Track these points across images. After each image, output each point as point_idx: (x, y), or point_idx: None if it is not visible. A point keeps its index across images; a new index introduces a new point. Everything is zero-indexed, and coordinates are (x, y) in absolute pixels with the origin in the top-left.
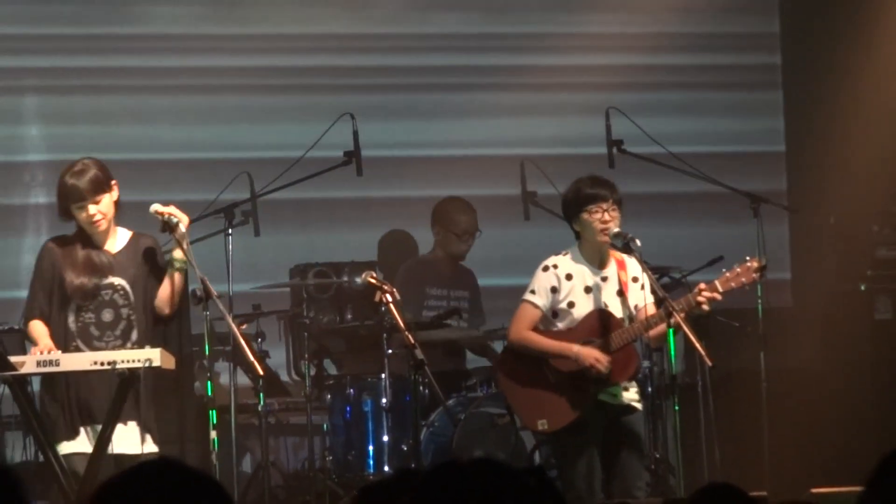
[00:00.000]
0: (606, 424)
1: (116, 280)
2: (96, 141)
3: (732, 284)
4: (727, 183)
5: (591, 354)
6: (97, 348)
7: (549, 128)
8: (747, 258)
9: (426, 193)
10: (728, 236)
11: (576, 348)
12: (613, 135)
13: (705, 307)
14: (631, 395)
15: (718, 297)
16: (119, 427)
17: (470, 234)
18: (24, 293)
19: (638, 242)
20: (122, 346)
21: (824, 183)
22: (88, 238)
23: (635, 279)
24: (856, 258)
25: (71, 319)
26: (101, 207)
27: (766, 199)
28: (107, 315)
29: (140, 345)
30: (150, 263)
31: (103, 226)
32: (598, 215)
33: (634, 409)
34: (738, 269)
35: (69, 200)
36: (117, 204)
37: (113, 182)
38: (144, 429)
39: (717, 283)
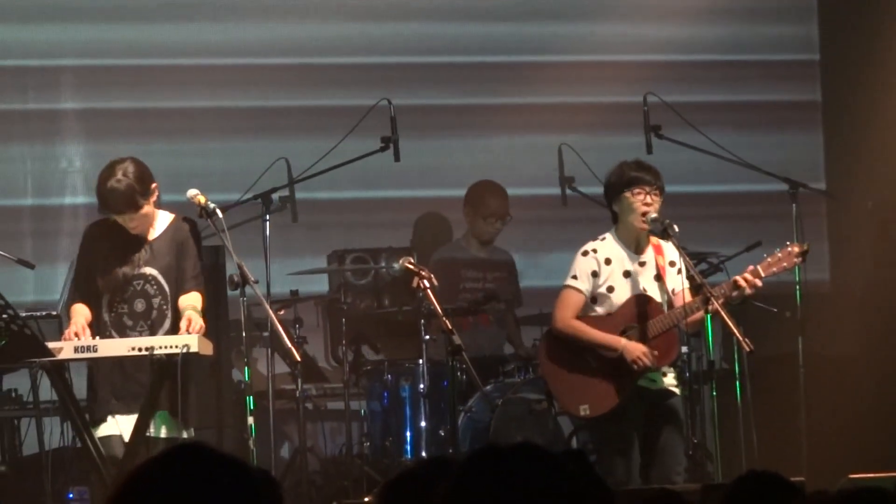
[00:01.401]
0: (646, 410)
1: (149, 270)
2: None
3: (774, 269)
4: (766, 168)
5: (637, 349)
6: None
7: (585, 114)
8: (788, 243)
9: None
10: (766, 222)
11: (623, 342)
12: (651, 120)
13: (748, 291)
14: (670, 380)
15: (759, 282)
16: (157, 412)
17: (498, 217)
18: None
19: (676, 228)
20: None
21: (862, 168)
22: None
23: (672, 264)
24: (894, 242)
25: (105, 309)
26: (138, 217)
27: (805, 184)
28: (139, 305)
29: (172, 334)
30: (183, 245)
31: (140, 230)
32: (641, 197)
33: (673, 393)
34: (780, 255)
35: (106, 210)
36: (157, 202)
37: (153, 186)
38: (181, 414)
39: (758, 268)
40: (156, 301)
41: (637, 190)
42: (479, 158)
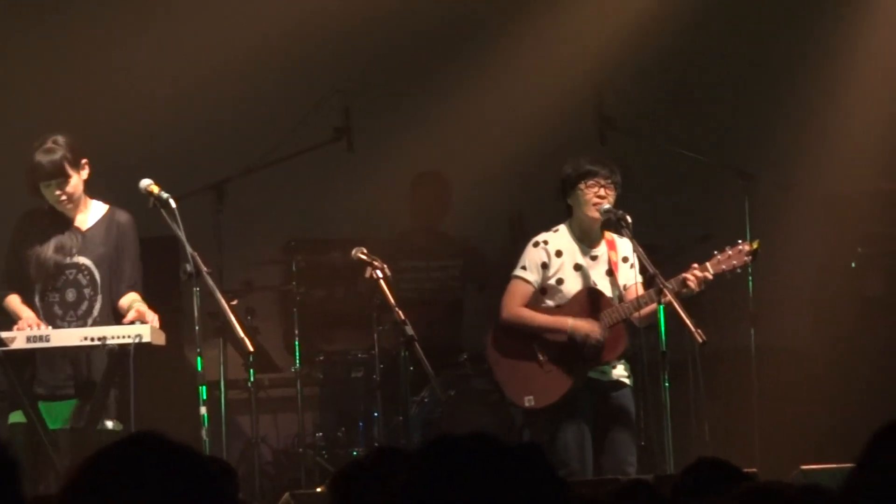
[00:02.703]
0: (596, 401)
1: (82, 260)
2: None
3: (724, 267)
4: (718, 160)
5: (584, 327)
6: (59, 328)
7: None
8: (739, 241)
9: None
10: (719, 213)
11: (570, 321)
12: (605, 112)
13: (695, 288)
14: (620, 371)
15: (710, 276)
16: (101, 402)
17: (428, 202)
18: None
19: (629, 219)
20: (82, 327)
21: (815, 159)
22: (60, 214)
23: (625, 259)
24: (846, 235)
25: (37, 298)
26: (68, 188)
27: (757, 175)
28: (70, 295)
29: (100, 325)
30: (122, 241)
31: (69, 205)
32: (594, 189)
33: (623, 384)
34: (730, 252)
35: (36, 178)
36: (87, 182)
37: (84, 161)
38: (119, 406)
39: (708, 264)
40: (87, 291)
41: (591, 182)
42: (434, 148)
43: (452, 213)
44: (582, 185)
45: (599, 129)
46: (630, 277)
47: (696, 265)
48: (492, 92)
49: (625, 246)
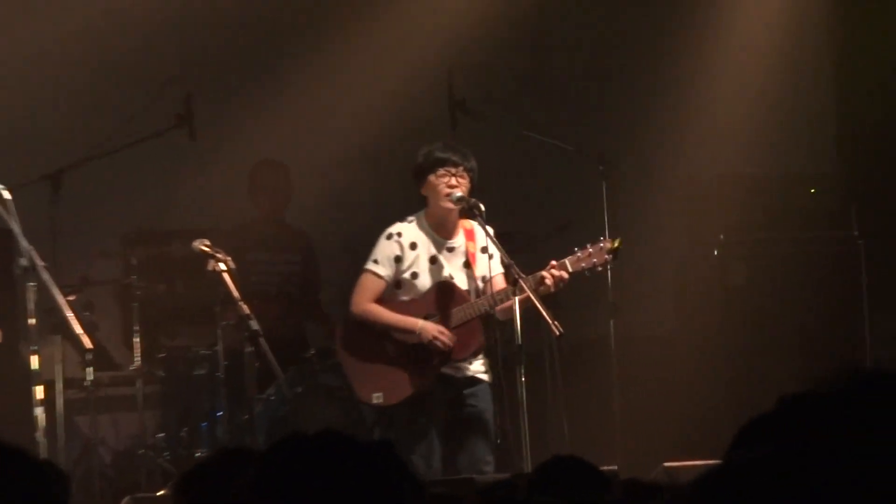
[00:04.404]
0: (450, 398)
1: None
2: None
3: (583, 265)
4: (574, 144)
5: (432, 329)
6: None
7: None
8: (601, 238)
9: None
10: (576, 198)
11: (420, 323)
12: (456, 94)
13: (552, 288)
14: (477, 367)
15: (566, 276)
16: None
17: (269, 191)
18: None
19: (482, 207)
20: None
21: (675, 144)
22: None
23: (484, 250)
24: (708, 222)
25: None
26: None
27: (615, 160)
28: None
29: None
30: None
31: None
32: (446, 179)
33: (479, 380)
34: (591, 250)
35: None
36: None
37: None
38: None
39: (566, 262)
40: None
41: (442, 171)
42: (280, 135)
43: (297, 201)
44: (433, 175)
45: (451, 113)
46: (490, 269)
47: (554, 262)
48: (339, 76)
49: (483, 236)
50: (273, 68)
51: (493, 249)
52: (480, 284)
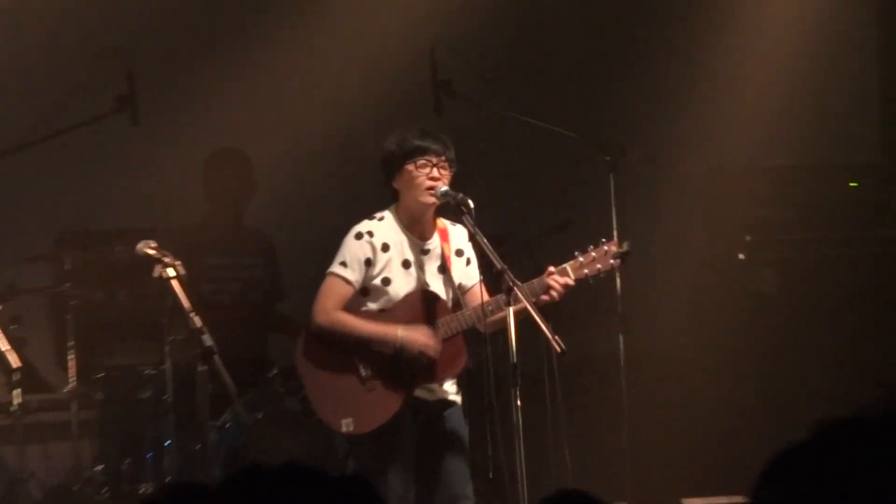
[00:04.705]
0: (421, 424)
1: None
2: None
3: (586, 271)
4: (577, 132)
5: (418, 339)
6: None
7: None
8: (604, 240)
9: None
10: (581, 195)
11: (400, 332)
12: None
13: (555, 295)
14: (448, 388)
15: (571, 283)
16: None
17: (226, 185)
18: None
19: (471, 204)
20: None
21: (695, 131)
22: None
23: (460, 253)
24: (732, 220)
25: None
26: None
27: (624, 150)
28: None
29: None
30: None
31: None
32: (426, 170)
33: (453, 403)
34: (594, 254)
35: None
36: None
37: None
38: None
39: (567, 267)
40: None
41: (421, 162)
42: (239, 121)
43: (257, 198)
44: (411, 166)
45: (435, 96)
46: (467, 275)
47: (552, 268)
48: (308, 52)
49: (459, 236)
50: (232, 43)
51: (471, 253)
52: (457, 293)
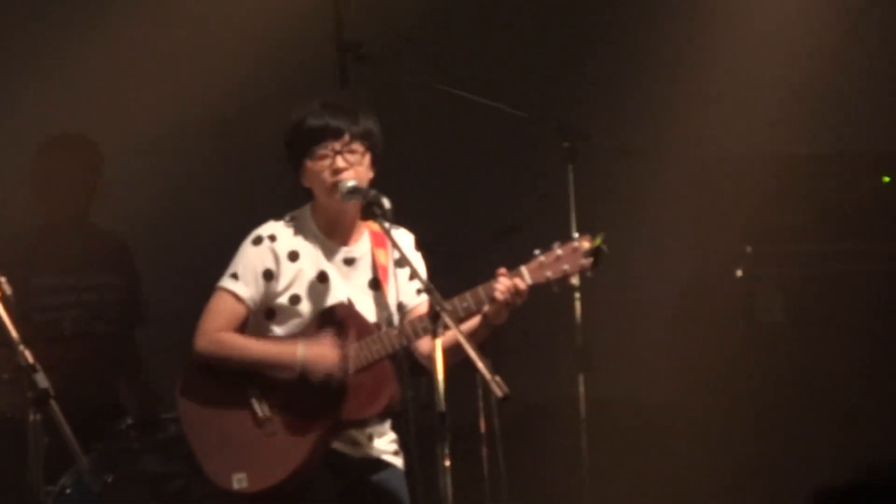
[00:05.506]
0: (344, 488)
1: None
2: None
3: (548, 274)
4: (526, 110)
5: (325, 357)
6: None
7: None
8: (575, 235)
9: None
10: (528, 190)
11: (300, 349)
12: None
13: (501, 299)
14: (383, 443)
15: (523, 286)
16: None
17: (62, 182)
18: None
19: (386, 203)
20: None
21: (682, 113)
22: None
23: (400, 263)
24: (729, 227)
25: None
26: None
27: (588, 134)
28: None
29: None
30: None
31: None
32: (328, 161)
33: (387, 464)
34: (559, 252)
35: None
36: None
37: None
38: None
39: (523, 269)
40: None
41: (320, 151)
42: (83, 100)
43: (107, 196)
44: (309, 161)
45: (339, 62)
46: (411, 292)
47: (503, 269)
48: (178, 10)
49: (403, 241)
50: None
51: (418, 264)
52: (395, 314)
